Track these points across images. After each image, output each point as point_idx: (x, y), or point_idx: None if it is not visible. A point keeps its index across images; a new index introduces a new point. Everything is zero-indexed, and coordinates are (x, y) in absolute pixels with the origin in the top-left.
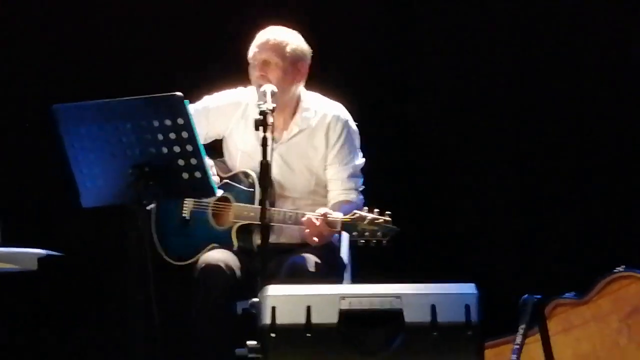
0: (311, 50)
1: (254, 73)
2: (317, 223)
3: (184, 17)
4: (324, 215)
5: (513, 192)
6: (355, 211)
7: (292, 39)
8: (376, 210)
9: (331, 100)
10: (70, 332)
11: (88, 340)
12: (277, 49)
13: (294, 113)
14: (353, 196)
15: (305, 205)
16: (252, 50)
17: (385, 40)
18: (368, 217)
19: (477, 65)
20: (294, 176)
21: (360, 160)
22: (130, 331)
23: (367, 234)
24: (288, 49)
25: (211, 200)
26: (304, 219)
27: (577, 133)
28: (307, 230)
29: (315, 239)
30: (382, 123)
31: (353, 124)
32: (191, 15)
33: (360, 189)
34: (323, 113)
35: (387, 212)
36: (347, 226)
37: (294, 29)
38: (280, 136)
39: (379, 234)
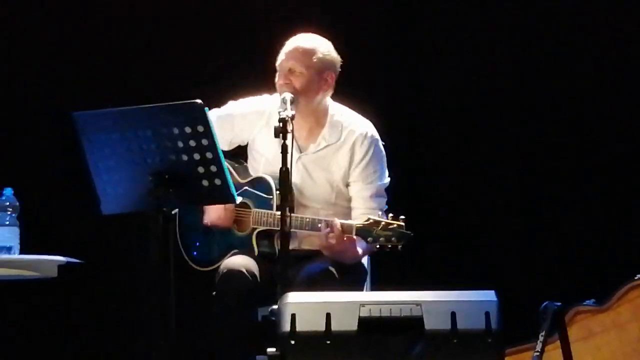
0: (341, 60)
1: (279, 80)
2: (334, 236)
3: (208, 23)
4: (336, 224)
5: (535, 199)
6: (370, 217)
7: (320, 47)
8: (390, 215)
9: (361, 117)
10: (90, 339)
11: (108, 348)
12: (304, 56)
13: (320, 124)
14: (375, 213)
15: (325, 216)
16: (280, 57)
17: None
18: (382, 222)
19: (487, 71)
20: (315, 187)
21: (385, 180)
22: (151, 338)
23: (381, 239)
24: (315, 57)
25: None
26: (320, 225)
27: (598, 138)
28: (320, 242)
29: (326, 251)
30: (399, 130)
31: (380, 144)
32: (215, 21)
33: (384, 208)
34: (351, 129)
35: (401, 217)
36: (361, 231)
37: (326, 37)
38: (307, 146)
39: (393, 239)
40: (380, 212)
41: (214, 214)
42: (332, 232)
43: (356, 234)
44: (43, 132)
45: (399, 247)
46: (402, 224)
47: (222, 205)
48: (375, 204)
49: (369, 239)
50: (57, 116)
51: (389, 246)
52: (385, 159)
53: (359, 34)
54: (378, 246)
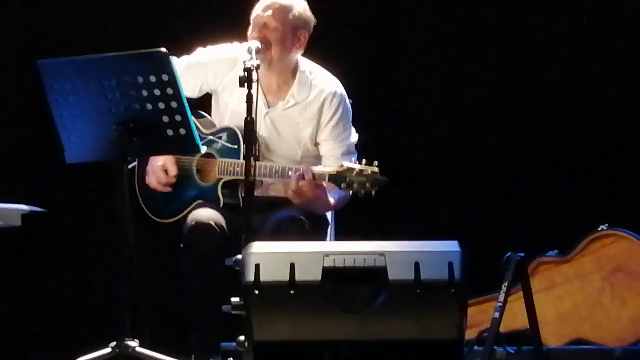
0: (314, 20)
1: (252, 33)
2: (305, 182)
3: None
4: (310, 170)
5: (496, 148)
6: (343, 163)
7: (296, 5)
8: (364, 160)
9: (329, 74)
10: (53, 289)
11: (71, 298)
12: (280, 12)
13: (289, 81)
14: None
15: None
16: (255, 10)
17: (377, 17)
18: (356, 169)
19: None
20: (281, 143)
21: (354, 137)
22: (115, 289)
23: (355, 185)
24: (290, 15)
25: (195, 156)
26: (290, 173)
27: (560, 89)
28: (292, 189)
29: (298, 199)
30: (367, 83)
31: (348, 101)
32: None
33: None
34: (320, 87)
35: (374, 163)
36: (334, 178)
37: None
38: (275, 103)
39: (367, 184)
40: None
41: (154, 178)
42: (303, 178)
43: (329, 180)
44: (6, 79)
45: (373, 193)
46: (376, 169)
47: (163, 168)
48: (347, 160)
49: (342, 184)
50: (20, 63)
51: (362, 192)
52: (351, 116)
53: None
54: (351, 192)
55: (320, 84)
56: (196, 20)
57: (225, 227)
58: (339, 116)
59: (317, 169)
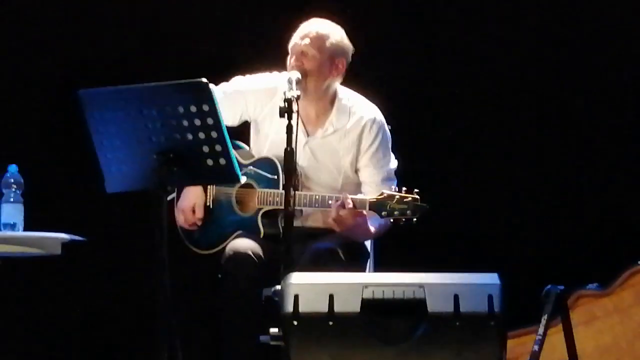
0: (353, 48)
1: (290, 62)
2: (345, 210)
3: (216, 2)
4: (353, 204)
5: (537, 181)
6: (383, 191)
7: (334, 33)
8: (404, 188)
9: (368, 101)
10: (93, 317)
11: (110, 326)
12: (317, 41)
13: (328, 109)
14: None
15: None
16: (293, 39)
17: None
18: (396, 196)
19: (498, 59)
20: (321, 172)
21: (394, 163)
22: (153, 318)
23: (396, 212)
24: (328, 43)
25: (234, 187)
26: (330, 202)
27: (606, 124)
28: (332, 218)
29: (338, 227)
30: (409, 113)
31: (387, 128)
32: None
33: (395, 190)
34: (360, 115)
35: (415, 190)
36: (375, 205)
37: (338, 23)
38: (314, 131)
39: (408, 212)
40: None
41: (180, 215)
42: (343, 207)
43: (370, 209)
44: (48, 109)
45: (414, 220)
46: (417, 197)
47: (190, 208)
48: (386, 187)
49: (383, 212)
50: (62, 93)
51: (403, 220)
52: (391, 142)
53: (372, 21)
54: (392, 220)
55: (359, 110)
56: (235, 49)
57: (263, 256)
58: (378, 142)
59: (357, 197)
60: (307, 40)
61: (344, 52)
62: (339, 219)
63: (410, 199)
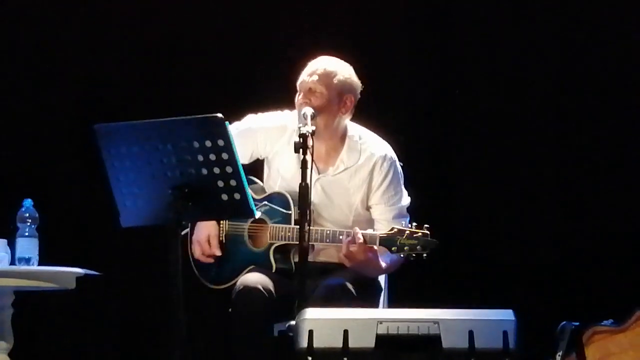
0: (361, 85)
1: (298, 99)
2: (356, 246)
3: (227, 38)
4: (363, 239)
5: (552, 218)
6: (394, 226)
7: (341, 70)
8: (414, 224)
9: (378, 138)
10: (107, 351)
11: None
12: (325, 77)
13: (339, 146)
14: None
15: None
16: (301, 76)
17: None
18: (407, 231)
19: (514, 92)
20: (332, 209)
21: (406, 200)
22: (167, 353)
23: (406, 248)
24: (335, 79)
25: (247, 222)
26: (341, 237)
27: (619, 158)
28: (343, 253)
29: (349, 262)
30: (419, 148)
31: (398, 164)
32: (235, 37)
33: (408, 227)
34: (370, 152)
35: (425, 226)
36: (385, 241)
37: (346, 61)
38: (325, 169)
39: (418, 247)
40: None
41: (197, 247)
42: (354, 242)
43: (380, 244)
44: (63, 143)
45: (424, 255)
46: (427, 232)
47: (205, 239)
48: (398, 224)
49: (393, 248)
50: (77, 128)
51: (414, 255)
52: (402, 178)
53: (384, 51)
54: (402, 255)
55: (370, 147)
56: (246, 87)
57: (273, 291)
58: (389, 180)
59: (367, 232)
60: (315, 77)
61: (352, 89)
62: (349, 255)
63: (420, 234)
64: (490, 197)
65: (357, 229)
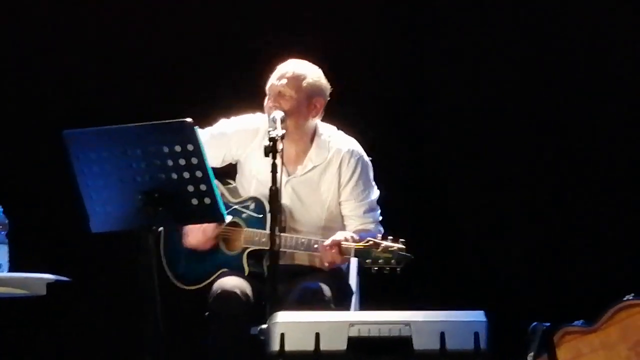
0: (330, 87)
1: (268, 103)
2: (331, 252)
3: (198, 42)
4: (338, 243)
5: (522, 219)
6: (369, 238)
7: (310, 73)
8: (390, 237)
9: (345, 135)
10: (79, 358)
11: None
12: (294, 81)
13: (308, 147)
14: (371, 227)
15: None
16: (270, 80)
17: (396, 69)
18: (382, 245)
19: (495, 88)
20: (304, 210)
21: (375, 194)
22: (142, 356)
23: (380, 261)
24: (304, 82)
25: (221, 225)
26: (316, 246)
27: (596, 156)
28: (320, 258)
29: (327, 264)
30: (391, 151)
31: (366, 158)
32: (205, 41)
33: (378, 219)
34: (337, 148)
35: (401, 240)
36: (361, 253)
37: (314, 63)
38: (295, 170)
39: (392, 261)
40: (375, 224)
41: (193, 238)
42: (335, 252)
43: (355, 256)
44: (32, 149)
45: (398, 270)
46: (403, 246)
47: (201, 229)
48: (370, 218)
49: (368, 260)
50: (46, 133)
51: (387, 268)
52: (372, 171)
53: (358, 44)
54: (376, 268)
55: (337, 144)
56: (216, 92)
57: (250, 295)
58: (358, 175)
59: (345, 243)
60: (284, 81)
61: (322, 92)
62: (332, 263)
63: (395, 248)
64: (462, 197)
65: (339, 237)
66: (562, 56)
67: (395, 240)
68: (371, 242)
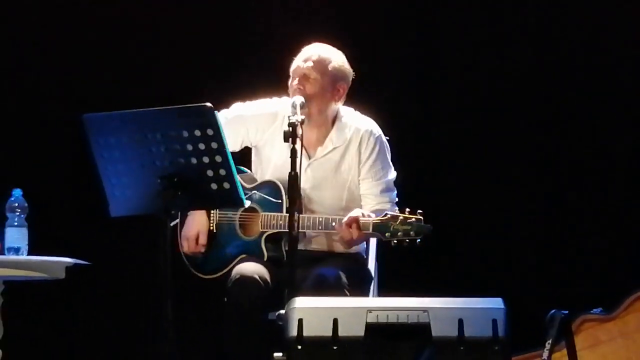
0: (353, 73)
1: (292, 84)
2: (349, 229)
3: (217, 27)
4: (356, 220)
5: (542, 206)
6: (387, 212)
7: (335, 58)
8: (407, 210)
9: (363, 115)
10: (96, 341)
11: (113, 350)
12: (319, 65)
13: (330, 131)
14: (387, 206)
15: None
16: (296, 62)
17: (412, 55)
18: (400, 217)
19: (500, 71)
20: (323, 192)
21: (392, 174)
22: (155, 341)
23: (400, 233)
24: (330, 67)
25: (237, 211)
26: (334, 224)
27: (613, 143)
28: (339, 236)
29: (346, 242)
30: (413, 138)
31: (384, 137)
32: (224, 26)
33: (395, 201)
34: (355, 128)
35: (418, 211)
36: (379, 227)
37: (335, 46)
38: (315, 152)
39: (412, 232)
40: (391, 204)
41: (185, 242)
42: (350, 226)
43: (373, 230)
44: (52, 133)
45: (417, 241)
46: (420, 217)
47: (194, 236)
48: (386, 197)
49: (387, 233)
50: (66, 117)
51: (407, 240)
52: (389, 152)
53: (373, 35)
54: (395, 241)
55: (355, 124)
56: (234, 74)
57: (269, 280)
58: (376, 154)
59: (362, 219)
60: (310, 64)
61: (345, 77)
62: (350, 241)
63: (413, 219)
64: (480, 185)
65: (357, 213)
66: (566, 56)
67: (412, 212)
68: (389, 216)
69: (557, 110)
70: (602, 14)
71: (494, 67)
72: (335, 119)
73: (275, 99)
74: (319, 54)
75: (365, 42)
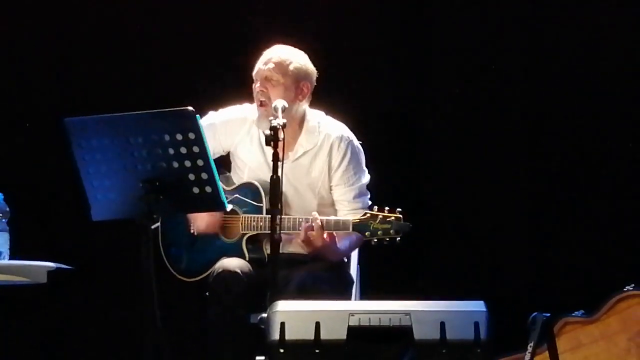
0: (316, 72)
1: (255, 87)
2: (314, 232)
3: (194, 33)
4: (321, 224)
5: (523, 208)
6: (367, 211)
7: (296, 58)
8: (387, 208)
9: (334, 120)
10: (79, 345)
11: (97, 355)
12: (280, 66)
13: (297, 132)
14: (360, 212)
15: None
16: (257, 65)
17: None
18: (379, 216)
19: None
20: (297, 196)
21: (365, 178)
22: (141, 345)
23: (379, 232)
24: (291, 67)
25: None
26: (303, 223)
27: (589, 156)
28: (301, 239)
29: (307, 248)
30: (390, 137)
31: (357, 142)
32: (201, 32)
33: (367, 205)
34: (326, 133)
35: (398, 210)
36: (358, 226)
37: (301, 48)
38: (286, 156)
39: (391, 231)
40: (364, 209)
41: (201, 222)
42: (312, 229)
43: (353, 229)
44: (33, 137)
45: (397, 239)
46: (400, 216)
47: (208, 213)
48: (360, 203)
49: (367, 233)
50: (48, 121)
51: (387, 239)
52: (363, 156)
53: (359, 32)
54: (375, 240)
55: (326, 129)
56: (204, 82)
57: (251, 276)
58: (348, 160)
59: (332, 218)
60: (270, 65)
61: (308, 76)
62: (307, 241)
63: (393, 218)
64: (463, 188)
65: (315, 214)
66: (565, 56)
67: (392, 211)
68: (368, 215)
69: (548, 116)
70: (602, 14)
71: (485, 65)
72: (303, 121)
73: (245, 105)
74: (279, 56)
75: (355, 40)
